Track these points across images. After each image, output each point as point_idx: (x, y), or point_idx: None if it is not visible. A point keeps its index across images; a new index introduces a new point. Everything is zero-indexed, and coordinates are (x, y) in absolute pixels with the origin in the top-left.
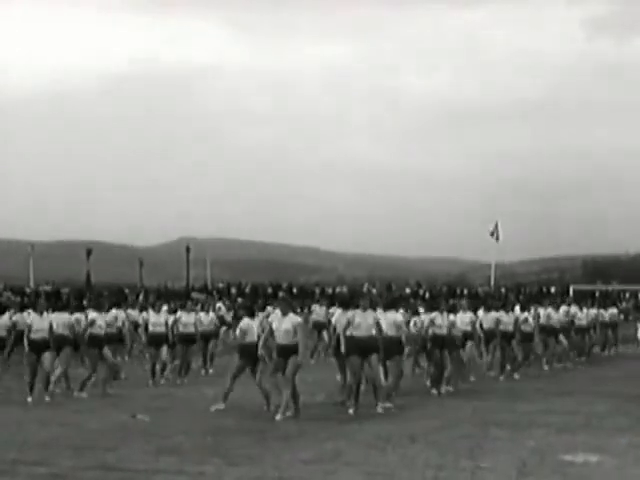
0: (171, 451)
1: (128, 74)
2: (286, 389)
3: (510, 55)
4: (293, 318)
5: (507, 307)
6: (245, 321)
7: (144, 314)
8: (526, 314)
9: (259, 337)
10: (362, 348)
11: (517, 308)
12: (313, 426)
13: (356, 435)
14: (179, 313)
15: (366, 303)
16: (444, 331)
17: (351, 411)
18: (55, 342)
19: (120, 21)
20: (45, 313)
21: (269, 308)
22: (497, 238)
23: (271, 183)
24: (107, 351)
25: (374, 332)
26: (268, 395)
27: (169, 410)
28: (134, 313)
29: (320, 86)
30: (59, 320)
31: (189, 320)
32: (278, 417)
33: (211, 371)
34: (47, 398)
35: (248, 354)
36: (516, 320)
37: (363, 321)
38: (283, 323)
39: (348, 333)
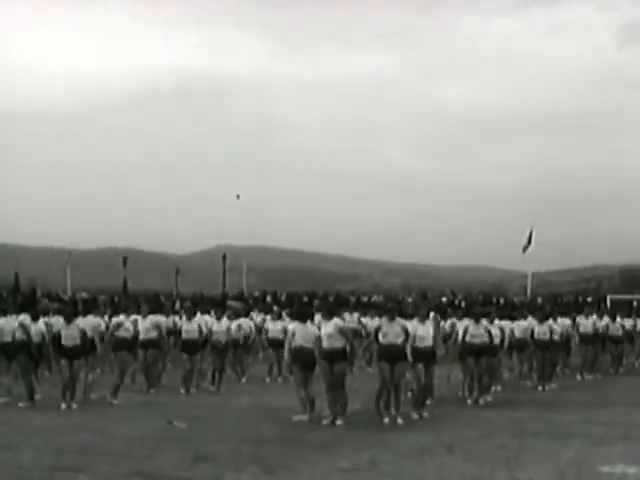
0: (208, 459)
1: (173, 86)
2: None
3: (543, 65)
4: (337, 322)
5: (541, 316)
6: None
7: (176, 319)
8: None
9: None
10: (390, 356)
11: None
12: (350, 435)
13: (393, 445)
14: (212, 322)
15: (393, 313)
16: (478, 340)
17: (386, 420)
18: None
19: (164, 34)
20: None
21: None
22: (524, 249)
23: (308, 192)
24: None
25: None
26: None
27: (205, 418)
28: (168, 320)
29: (358, 96)
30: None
31: (220, 328)
32: (339, 422)
33: (244, 379)
34: (73, 405)
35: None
36: (551, 329)
37: (390, 330)
38: (327, 327)
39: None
